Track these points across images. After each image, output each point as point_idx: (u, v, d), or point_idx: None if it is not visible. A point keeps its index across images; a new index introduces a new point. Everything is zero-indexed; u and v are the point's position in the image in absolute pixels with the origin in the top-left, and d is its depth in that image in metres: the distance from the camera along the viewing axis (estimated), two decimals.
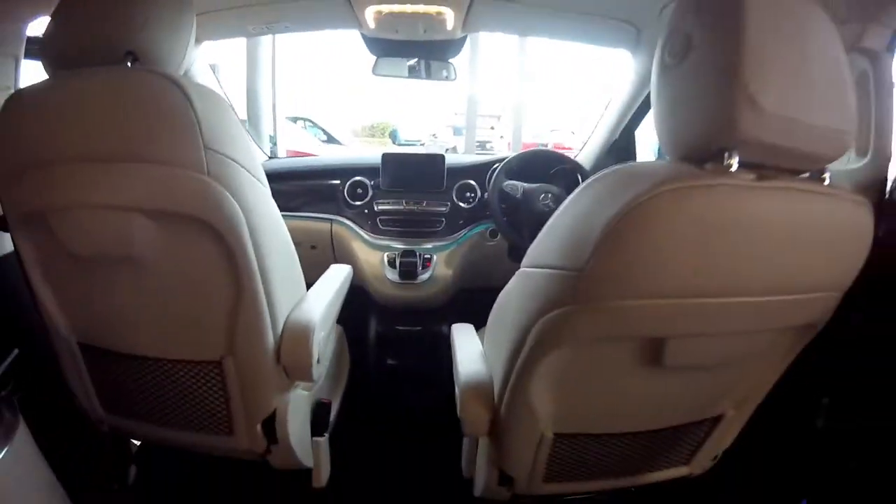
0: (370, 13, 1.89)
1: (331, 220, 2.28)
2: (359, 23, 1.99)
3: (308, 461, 1.43)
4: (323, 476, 1.53)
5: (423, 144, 16.73)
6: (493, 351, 1.16)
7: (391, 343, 2.38)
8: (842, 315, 0.98)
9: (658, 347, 0.91)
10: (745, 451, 1.28)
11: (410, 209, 2.27)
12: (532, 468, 1.14)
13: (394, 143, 19.79)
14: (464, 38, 2.19)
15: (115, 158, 0.98)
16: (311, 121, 12.03)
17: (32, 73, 1.44)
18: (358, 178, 2.28)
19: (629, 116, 2.28)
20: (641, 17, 1.85)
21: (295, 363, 1.22)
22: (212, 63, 2.32)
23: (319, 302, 1.32)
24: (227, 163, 1.00)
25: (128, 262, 1.08)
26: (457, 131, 14.54)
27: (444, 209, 2.27)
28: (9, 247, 1.35)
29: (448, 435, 1.62)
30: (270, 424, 1.26)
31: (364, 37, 2.17)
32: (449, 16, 1.90)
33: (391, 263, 2.21)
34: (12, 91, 1.34)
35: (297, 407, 1.33)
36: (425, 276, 2.21)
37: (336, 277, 1.51)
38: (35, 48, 1.43)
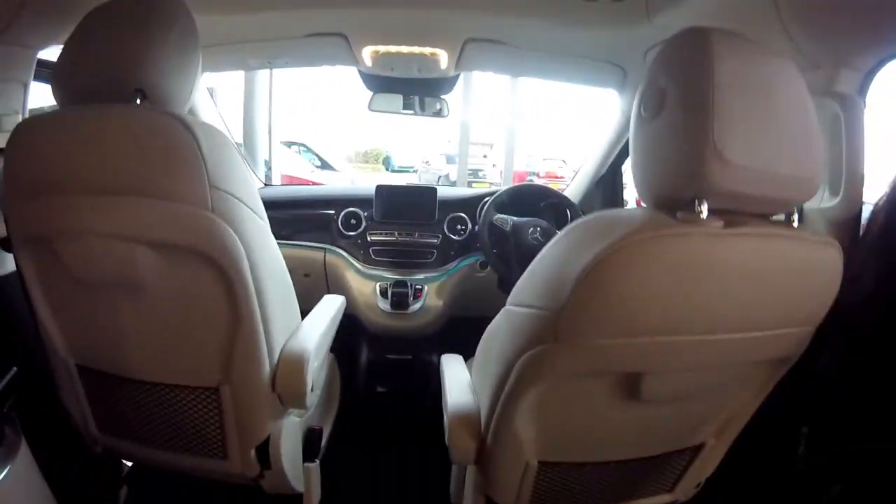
0: (367, 52, 1.96)
1: (324, 248, 2.32)
2: (356, 61, 2.05)
3: (299, 486, 1.45)
4: (314, 501, 1.54)
5: (416, 171, 16.79)
6: (480, 382, 1.20)
7: (382, 371, 2.42)
8: (819, 347, 1.02)
9: (635, 381, 0.95)
10: (729, 478, 1.31)
11: (403, 240, 2.32)
12: (518, 495, 1.17)
13: (387, 169, 19.85)
14: (457, 76, 2.26)
15: (123, 192, 1.02)
16: (305, 146, 12.07)
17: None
18: (352, 208, 2.33)
19: (616, 152, 2.35)
20: (627, 60, 1.91)
21: (290, 391, 1.24)
22: (209, 87, 2.38)
23: (314, 332, 1.35)
24: (230, 200, 1.04)
25: (129, 288, 1.11)
26: (449, 159, 14.59)
27: (435, 241, 2.32)
28: (11, 266, 1.37)
29: (436, 462, 1.64)
30: (264, 450, 1.28)
31: (361, 73, 2.23)
32: (442, 56, 1.96)
33: (383, 293, 2.25)
34: (20, 115, 1.40)
35: (289, 433, 1.35)
36: (416, 306, 2.25)
37: (330, 308, 1.55)
38: (45, 71, 1.47)
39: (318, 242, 2.33)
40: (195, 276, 1.09)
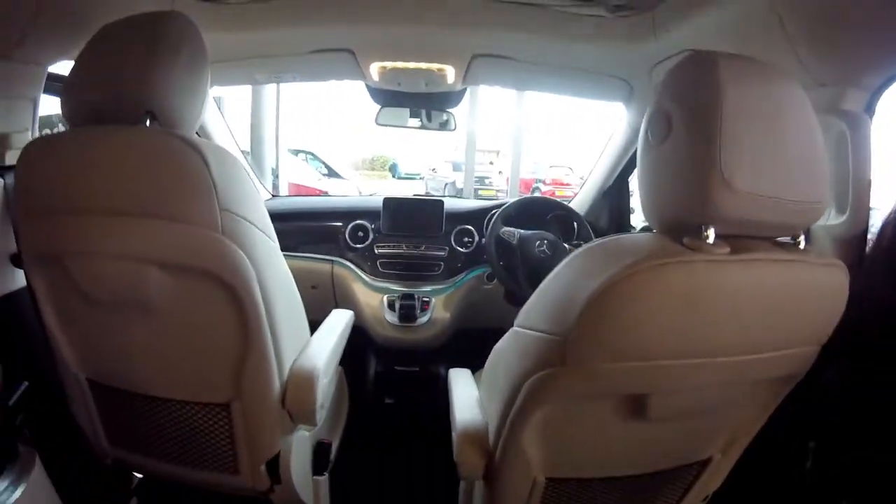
0: (374, 68, 1.97)
1: (332, 261, 2.34)
2: (363, 76, 2.07)
3: (309, 499, 1.46)
4: None
5: (422, 178, 16.78)
6: (488, 400, 1.20)
7: (389, 383, 2.43)
8: (825, 362, 1.02)
9: (642, 402, 0.96)
10: (736, 492, 1.31)
11: (410, 253, 2.33)
12: None
13: (393, 176, 19.85)
14: (464, 90, 2.27)
15: (134, 214, 1.03)
16: (312, 154, 12.10)
17: None
18: (359, 221, 2.35)
19: (622, 164, 2.35)
20: (633, 74, 1.92)
21: (300, 408, 1.26)
22: (217, 96, 2.40)
23: (323, 349, 1.36)
24: (240, 222, 1.06)
25: (140, 307, 1.13)
26: (456, 166, 14.56)
27: (442, 253, 2.33)
28: (21, 282, 1.38)
29: (444, 475, 1.65)
30: (274, 465, 1.30)
31: (368, 87, 2.25)
32: (450, 72, 1.98)
33: (391, 306, 2.27)
34: (29, 131, 1.42)
35: (299, 447, 1.36)
36: (424, 318, 2.26)
37: (338, 324, 1.56)
38: (55, 85, 1.49)
39: (326, 254, 2.35)
40: (206, 296, 1.10)
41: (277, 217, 1.21)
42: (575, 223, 2.21)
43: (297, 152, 11.58)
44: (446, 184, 14.80)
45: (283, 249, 1.23)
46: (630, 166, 2.37)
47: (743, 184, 0.78)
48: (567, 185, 13.92)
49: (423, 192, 14.00)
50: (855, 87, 1.22)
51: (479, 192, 12.77)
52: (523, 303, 1.06)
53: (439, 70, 1.97)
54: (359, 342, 2.00)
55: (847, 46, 1.17)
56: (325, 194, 9.22)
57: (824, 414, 1.28)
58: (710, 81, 0.79)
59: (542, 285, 1.00)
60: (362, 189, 11.93)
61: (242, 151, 2.73)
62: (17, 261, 1.36)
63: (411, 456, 2.24)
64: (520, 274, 2.04)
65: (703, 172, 0.79)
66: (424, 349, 2.36)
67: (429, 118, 2.43)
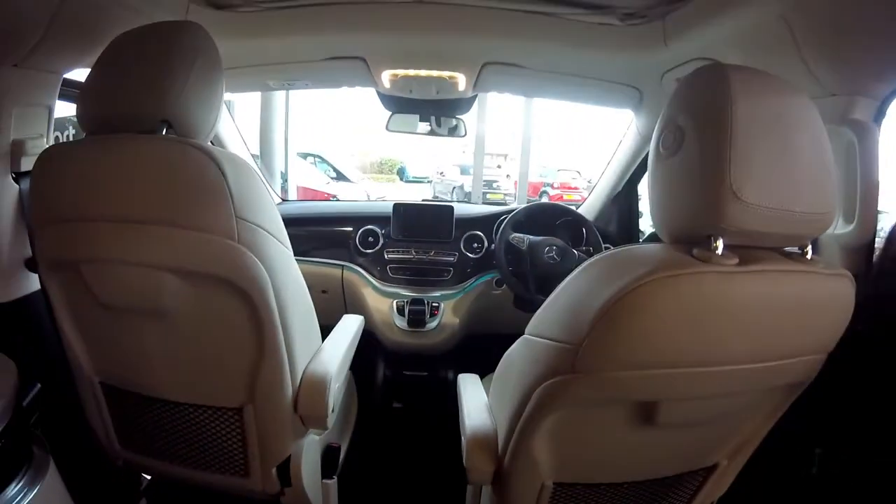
0: (386, 75, 1.99)
1: (342, 266, 2.36)
2: (375, 83, 2.08)
3: (318, 502, 1.47)
4: None
5: (430, 182, 16.77)
6: (498, 406, 1.21)
7: (398, 387, 2.45)
8: (832, 369, 1.03)
9: (651, 409, 0.97)
10: (742, 498, 1.31)
11: (420, 258, 2.34)
12: None
13: (401, 179, 19.81)
14: (474, 97, 2.29)
15: (151, 222, 1.04)
16: (320, 157, 12.12)
17: None
18: (369, 226, 2.36)
19: (632, 170, 2.36)
20: (643, 82, 1.92)
21: (312, 413, 1.27)
22: (227, 100, 2.42)
23: (335, 354, 1.38)
24: (255, 230, 1.07)
25: (155, 314, 1.14)
26: (464, 169, 14.55)
27: (452, 259, 2.35)
28: (35, 286, 1.40)
29: (452, 478, 1.66)
30: (285, 468, 1.31)
31: (379, 93, 2.26)
32: (461, 79, 1.99)
33: (400, 311, 2.29)
34: (44, 138, 1.43)
35: (309, 451, 1.37)
36: (433, 323, 2.27)
37: (349, 329, 1.57)
38: (70, 91, 1.50)
39: (336, 259, 2.37)
40: (221, 302, 1.11)
41: (288, 222, 1.22)
42: (584, 229, 2.23)
43: (305, 156, 11.59)
44: (454, 187, 14.79)
45: (294, 254, 1.24)
46: (639, 172, 2.38)
47: (752, 196, 0.79)
48: (575, 188, 13.92)
49: (430, 196, 14.00)
50: (864, 96, 1.23)
51: (488, 196, 12.78)
52: (532, 308, 1.07)
53: (450, 78, 1.98)
54: (368, 347, 2.02)
55: (856, 56, 1.18)
56: (334, 197, 9.26)
57: (830, 421, 1.28)
58: (721, 94, 0.81)
59: (553, 294, 1.01)
60: (370, 192, 11.93)
61: (252, 155, 2.75)
62: (31, 265, 1.38)
63: (419, 460, 2.25)
64: (529, 280, 2.06)
65: (713, 184, 0.80)
66: (433, 354, 2.38)
67: (439, 124, 2.44)
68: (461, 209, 2.44)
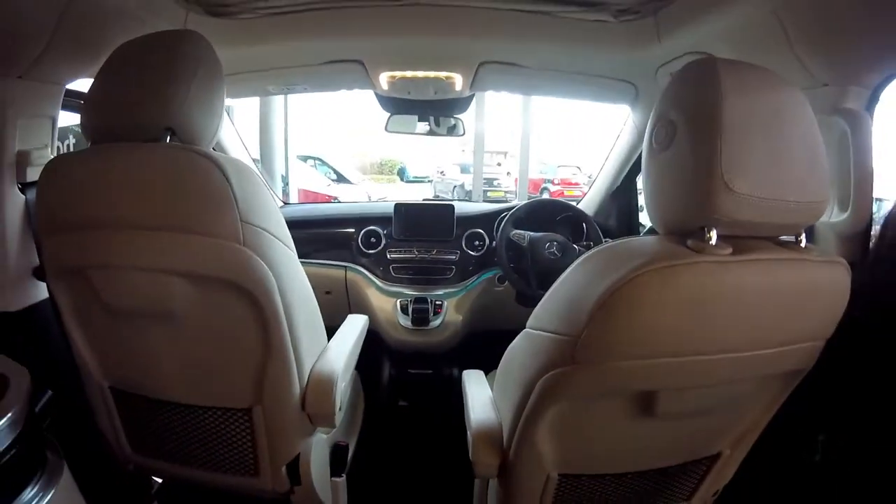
0: (384, 77, 2.00)
1: (345, 267, 2.38)
2: (373, 85, 2.10)
3: (328, 500, 1.48)
4: None
5: (430, 181, 16.73)
6: (501, 400, 1.23)
7: (404, 385, 2.47)
8: (833, 356, 1.05)
9: (651, 398, 0.99)
10: (746, 486, 1.33)
11: (422, 257, 2.36)
12: None
13: (402, 180, 19.75)
14: (472, 96, 2.30)
15: (158, 228, 1.07)
16: (320, 160, 12.10)
17: None
18: (371, 227, 2.39)
19: (630, 164, 2.38)
20: (638, 77, 1.95)
21: (319, 411, 1.29)
22: (226, 106, 2.44)
23: (341, 353, 1.39)
24: (259, 233, 1.09)
25: (163, 317, 1.16)
26: (464, 168, 14.50)
27: (453, 257, 2.37)
28: (43, 294, 1.43)
29: (458, 474, 1.68)
30: (294, 467, 1.33)
31: (377, 95, 2.28)
32: (457, 79, 2.00)
33: (404, 310, 2.31)
34: (49, 148, 1.45)
35: (317, 450, 1.39)
36: (437, 321, 2.30)
37: (354, 328, 1.59)
38: (73, 101, 1.52)
39: (339, 260, 2.39)
40: (228, 305, 1.13)
41: (291, 225, 1.24)
42: (584, 224, 2.24)
43: (305, 158, 11.57)
44: (455, 186, 14.75)
45: (298, 256, 1.26)
46: (637, 166, 2.38)
47: (743, 187, 0.81)
48: (576, 184, 13.88)
49: (431, 195, 13.96)
50: (856, 85, 1.24)
51: (488, 194, 12.72)
52: (534, 304, 1.09)
53: (447, 78, 2.00)
54: (373, 346, 2.04)
55: (847, 46, 1.19)
56: (335, 199, 9.26)
57: (833, 408, 1.29)
58: (711, 89, 0.82)
59: (552, 288, 1.03)
60: (371, 193, 11.93)
61: (253, 160, 2.76)
62: (39, 274, 1.40)
63: (426, 456, 2.27)
64: (531, 275, 2.07)
65: (705, 177, 0.82)
66: (437, 351, 2.39)
67: (437, 124, 2.46)
68: (462, 207, 2.46)
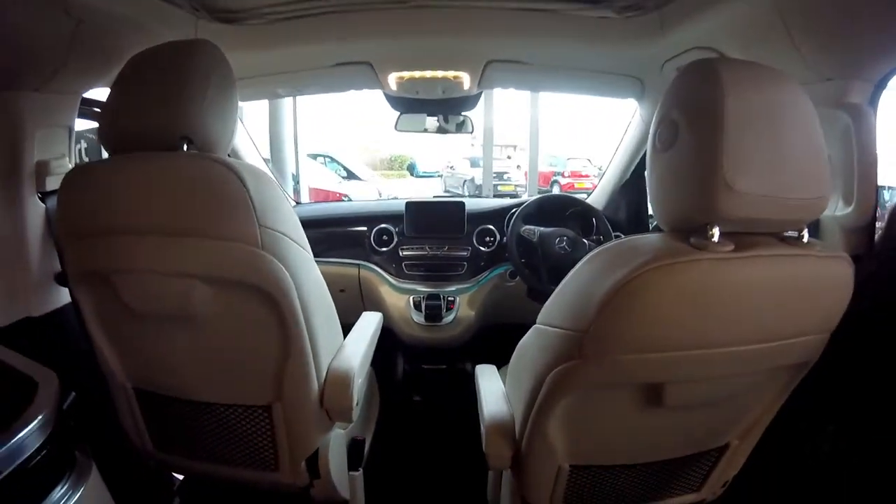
0: (392, 78, 2.03)
1: (358, 265, 2.41)
2: (382, 86, 2.13)
3: (346, 493, 1.51)
4: None
5: (440, 176, 16.71)
6: (513, 393, 1.26)
7: (418, 381, 2.51)
8: (839, 348, 1.06)
9: (658, 390, 1.01)
10: (755, 477, 1.34)
11: (434, 254, 2.39)
12: (551, 498, 1.22)
13: (411, 175, 19.72)
14: (479, 94, 2.32)
15: (179, 233, 1.09)
16: (330, 157, 12.11)
17: None
18: (383, 225, 2.41)
19: (638, 158, 2.38)
20: (644, 72, 1.96)
21: (337, 407, 1.32)
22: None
23: (357, 350, 1.42)
24: (277, 236, 1.12)
25: (185, 319, 1.19)
26: (474, 162, 14.49)
27: (465, 253, 2.39)
28: (64, 299, 1.46)
29: (472, 466, 1.72)
30: (313, 461, 1.35)
31: (386, 95, 2.30)
32: (465, 78, 2.02)
33: (417, 306, 2.33)
34: (66, 157, 1.48)
35: (335, 444, 1.42)
36: (449, 317, 2.32)
37: (369, 325, 1.62)
38: (88, 109, 1.56)
39: (352, 259, 2.42)
40: (247, 306, 1.16)
41: (304, 225, 1.26)
42: (594, 219, 2.26)
43: (315, 156, 11.60)
44: (465, 181, 14.74)
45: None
46: (645, 160, 2.37)
47: (744, 185, 0.83)
48: (586, 176, 13.83)
49: (441, 190, 13.94)
50: (859, 79, 1.24)
51: (499, 188, 12.72)
52: (545, 299, 1.11)
53: (455, 77, 2.02)
54: (387, 343, 2.06)
55: (850, 40, 1.20)
56: (346, 197, 9.27)
57: (841, 400, 1.31)
58: (712, 90, 0.84)
59: (560, 285, 1.06)
60: (382, 190, 11.94)
61: (264, 159, 2.79)
62: (61, 279, 1.43)
63: (440, 450, 2.30)
64: (541, 270, 2.09)
65: (707, 176, 0.84)
66: (450, 347, 2.41)
67: (447, 121, 2.47)
68: (472, 204, 2.48)
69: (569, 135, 18.16)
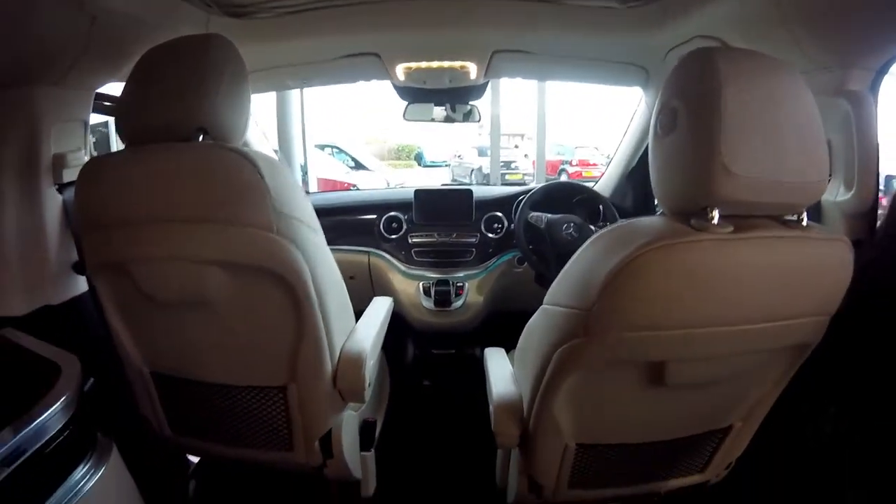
0: (400, 69, 2.06)
1: (368, 252, 2.44)
2: (389, 76, 2.16)
3: (357, 473, 1.55)
4: (370, 486, 1.66)
5: (448, 165, 16.67)
6: (521, 373, 1.29)
7: (428, 365, 2.56)
8: (841, 330, 1.08)
9: (660, 369, 1.04)
10: (758, 458, 1.37)
11: (442, 241, 2.42)
12: (558, 476, 1.26)
13: (419, 164, 19.64)
14: (486, 83, 2.35)
15: (196, 220, 1.13)
16: (338, 147, 12.07)
17: None
18: (393, 213, 2.44)
19: (644, 146, 2.39)
20: (649, 60, 1.98)
21: (350, 388, 1.35)
22: None
23: (369, 333, 1.46)
24: (291, 221, 1.15)
25: (202, 304, 1.22)
26: (481, 151, 14.46)
27: (473, 240, 2.42)
28: (81, 288, 1.51)
29: (481, 447, 1.76)
30: (326, 441, 1.39)
31: (394, 85, 2.33)
32: (472, 68, 2.05)
33: (426, 292, 2.37)
34: (83, 150, 1.52)
35: (347, 425, 1.45)
36: (458, 302, 2.36)
37: (381, 309, 1.66)
38: (103, 104, 1.60)
39: (362, 246, 2.45)
40: (263, 290, 1.19)
41: (315, 213, 1.29)
42: (601, 206, 2.28)
43: (323, 147, 11.58)
44: (472, 170, 14.70)
45: None
46: None
47: (742, 169, 0.86)
48: (594, 164, 13.79)
49: (449, 179, 13.91)
50: (858, 67, 1.27)
51: (506, 177, 12.68)
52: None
53: (462, 67, 2.05)
54: (397, 328, 2.09)
55: (849, 28, 1.22)
56: (354, 187, 9.27)
57: (843, 382, 1.33)
58: (711, 77, 0.87)
59: (566, 267, 1.09)
60: (390, 179, 11.90)
61: (273, 150, 2.82)
62: (78, 268, 1.47)
63: (450, 432, 2.34)
64: (549, 257, 2.11)
65: (706, 161, 0.87)
66: (459, 332, 2.46)
67: (454, 110, 2.50)
68: (480, 191, 2.51)
69: (577, 123, 18.11)
